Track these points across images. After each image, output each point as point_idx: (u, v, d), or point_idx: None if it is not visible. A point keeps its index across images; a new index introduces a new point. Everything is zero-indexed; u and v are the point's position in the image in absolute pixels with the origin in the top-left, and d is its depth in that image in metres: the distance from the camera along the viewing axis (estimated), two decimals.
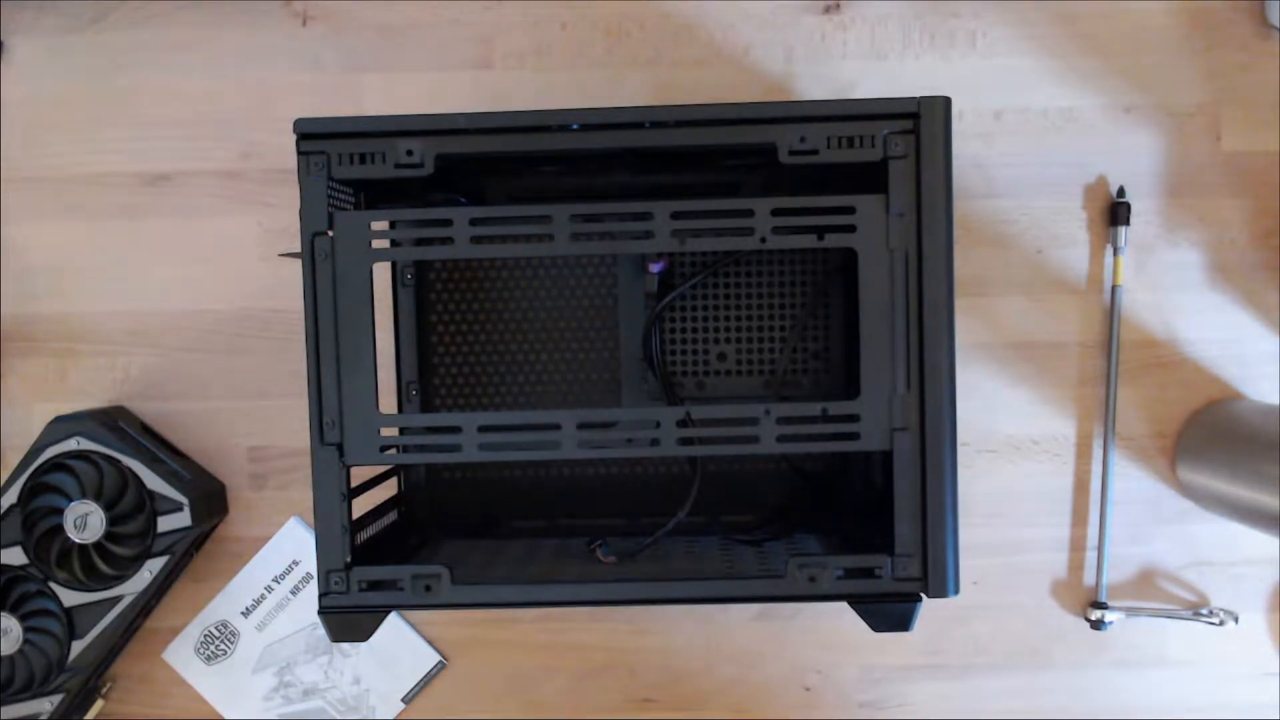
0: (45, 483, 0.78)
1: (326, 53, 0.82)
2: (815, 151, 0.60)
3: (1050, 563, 0.82)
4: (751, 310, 0.77)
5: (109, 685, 0.84)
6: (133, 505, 0.77)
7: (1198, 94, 0.80)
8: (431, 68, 0.82)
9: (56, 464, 0.78)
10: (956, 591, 0.61)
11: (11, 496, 0.78)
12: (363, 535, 0.67)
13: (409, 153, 0.61)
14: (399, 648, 0.83)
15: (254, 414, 0.83)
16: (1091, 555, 0.82)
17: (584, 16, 0.81)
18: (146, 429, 0.83)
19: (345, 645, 0.83)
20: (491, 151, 0.62)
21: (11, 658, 0.78)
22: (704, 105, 0.66)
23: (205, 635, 0.84)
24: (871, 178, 0.61)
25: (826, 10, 0.81)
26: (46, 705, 0.78)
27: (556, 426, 0.62)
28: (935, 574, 0.61)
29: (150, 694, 0.84)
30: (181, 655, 0.84)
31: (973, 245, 0.81)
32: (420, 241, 0.63)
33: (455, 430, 0.62)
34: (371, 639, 0.63)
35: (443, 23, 0.82)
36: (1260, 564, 0.82)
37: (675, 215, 0.61)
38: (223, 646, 0.84)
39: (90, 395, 0.84)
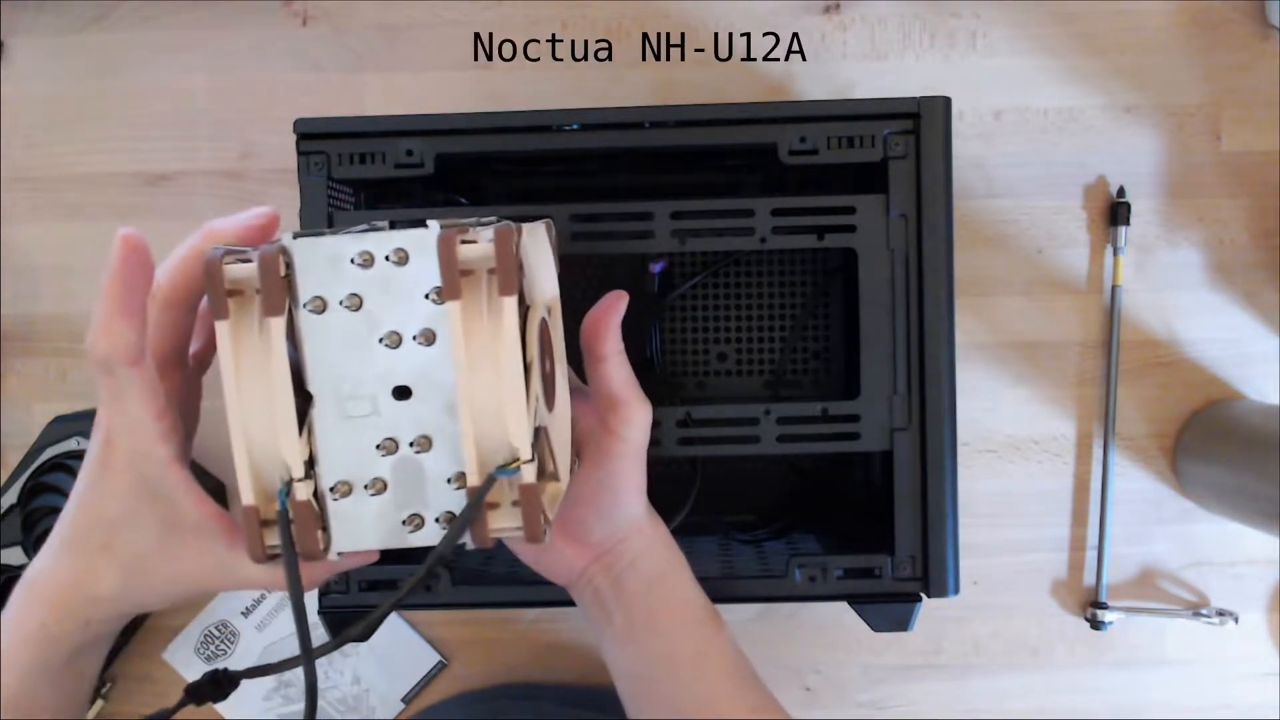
0: (45, 483, 0.78)
1: (326, 53, 0.82)
2: (815, 151, 0.60)
3: (1050, 563, 0.82)
4: (751, 310, 0.77)
5: (109, 685, 0.84)
6: None
7: (1198, 94, 0.80)
8: (431, 68, 0.82)
9: (56, 464, 0.78)
10: (956, 591, 0.61)
11: (11, 496, 0.78)
12: None
13: (409, 153, 0.61)
14: (399, 648, 0.83)
15: None
16: (1091, 555, 0.82)
17: (584, 16, 0.81)
18: None
19: (345, 645, 0.83)
20: (491, 151, 0.62)
21: None
22: (704, 105, 0.66)
23: (205, 635, 0.84)
24: (871, 178, 0.61)
25: (826, 10, 0.81)
26: None
27: None
28: (935, 574, 0.61)
29: (150, 694, 0.84)
30: (181, 655, 0.84)
31: (973, 245, 0.81)
32: None
33: None
34: (371, 639, 0.63)
35: (443, 23, 0.82)
36: (1260, 564, 0.82)
37: (675, 215, 0.61)
38: (223, 646, 0.84)
39: (90, 395, 0.84)
